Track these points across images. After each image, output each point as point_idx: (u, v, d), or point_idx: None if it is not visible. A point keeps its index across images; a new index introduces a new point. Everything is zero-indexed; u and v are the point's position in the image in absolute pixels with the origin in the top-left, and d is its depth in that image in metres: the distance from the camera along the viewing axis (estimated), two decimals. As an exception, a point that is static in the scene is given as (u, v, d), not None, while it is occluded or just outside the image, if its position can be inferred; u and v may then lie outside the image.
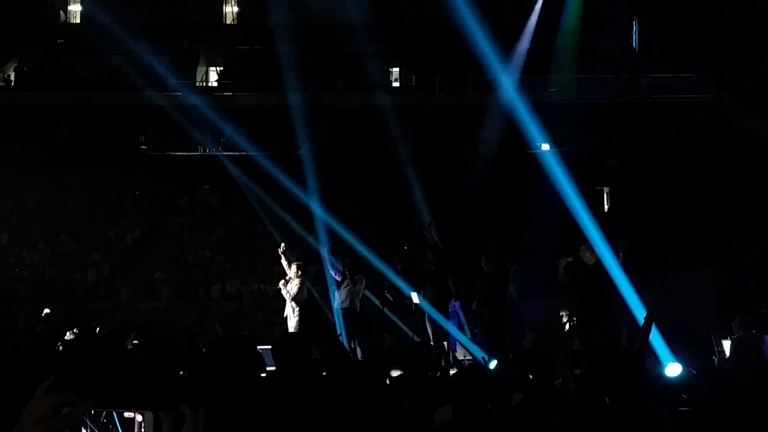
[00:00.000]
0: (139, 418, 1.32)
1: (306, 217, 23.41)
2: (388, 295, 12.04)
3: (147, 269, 25.14)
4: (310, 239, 18.85)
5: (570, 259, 10.07)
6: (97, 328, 15.69)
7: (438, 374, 9.57)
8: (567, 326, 11.57)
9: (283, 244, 12.63)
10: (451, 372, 8.40)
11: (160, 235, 26.93)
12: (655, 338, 9.37)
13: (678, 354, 9.27)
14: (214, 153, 27.44)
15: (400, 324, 14.48)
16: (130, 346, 9.84)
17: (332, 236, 13.88)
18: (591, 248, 9.94)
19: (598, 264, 9.81)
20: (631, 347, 10.70)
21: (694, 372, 8.61)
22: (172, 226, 27.37)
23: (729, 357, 9.76)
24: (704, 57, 24.60)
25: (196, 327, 19.38)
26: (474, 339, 11.41)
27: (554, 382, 3.96)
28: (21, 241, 26.04)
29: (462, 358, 12.47)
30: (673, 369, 8.49)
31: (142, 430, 1.32)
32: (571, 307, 10.12)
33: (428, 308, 10.92)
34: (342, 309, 11.71)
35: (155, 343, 5.74)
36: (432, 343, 10.74)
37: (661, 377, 8.42)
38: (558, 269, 10.17)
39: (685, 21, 24.80)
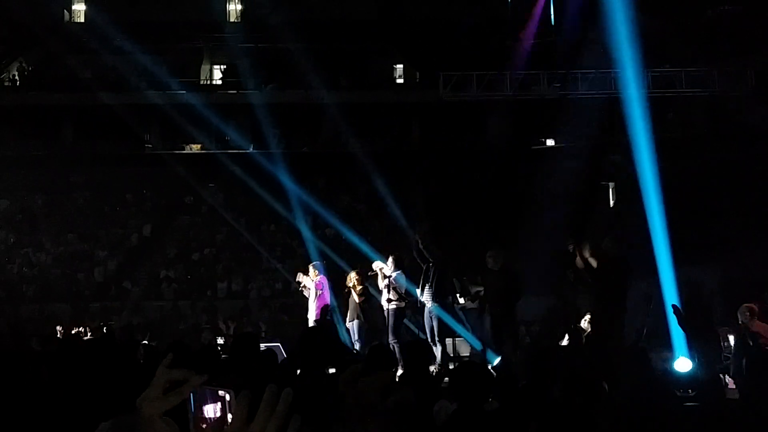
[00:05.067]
0: (227, 396, 1.40)
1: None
2: (394, 292, 11.99)
3: (153, 268, 25.20)
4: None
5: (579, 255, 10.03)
6: (104, 328, 15.81)
7: (441, 370, 9.60)
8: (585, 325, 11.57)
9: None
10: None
11: (165, 233, 26.99)
12: (676, 332, 9.39)
13: (691, 348, 9.26)
14: (219, 151, 27.48)
15: (406, 321, 14.46)
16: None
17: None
18: (606, 244, 9.90)
19: (612, 261, 9.74)
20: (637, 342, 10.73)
21: (702, 367, 8.61)
22: (178, 225, 27.44)
23: (734, 348, 9.75)
24: (709, 51, 24.54)
25: (206, 325, 19.51)
26: (480, 335, 11.39)
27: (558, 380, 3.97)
28: (28, 240, 26.12)
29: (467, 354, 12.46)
30: (682, 364, 8.47)
31: (227, 406, 1.40)
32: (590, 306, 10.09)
33: (430, 304, 10.90)
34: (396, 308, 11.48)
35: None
36: (431, 340, 10.72)
37: (669, 372, 8.41)
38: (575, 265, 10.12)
39: (689, 15, 24.73)
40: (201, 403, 1.41)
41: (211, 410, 1.41)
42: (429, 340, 10.72)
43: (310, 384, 3.95)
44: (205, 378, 1.42)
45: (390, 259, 11.64)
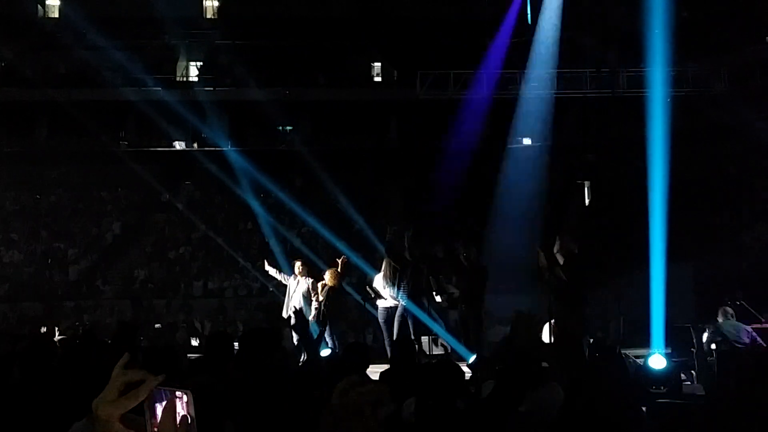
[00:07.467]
0: (185, 397, 1.42)
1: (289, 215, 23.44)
2: (370, 291, 12.00)
3: (128, 266, 24.99)
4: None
5: (545, 253, 10.15)
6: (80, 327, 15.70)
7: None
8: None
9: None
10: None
11: (141, 231, 26.78)
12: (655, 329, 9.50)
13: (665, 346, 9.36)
14: (195, 149, 27.31)
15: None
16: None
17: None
18: (566, 242, 10.02)
19: (573, 258, 9.87)
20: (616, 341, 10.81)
21: (676, 363, 8.70)
22: (153, 223, 27.22)
23: (705, 345, 9.89)
24: (682, 52, 24.76)
25: (181, 324, 19.41)
26: (453, 333, 11.46)
27: (530, 376, 3.97)
28: (0, 238, 25.81)
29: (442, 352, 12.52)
30: (656, 361, 8.52)
31: (184, 406, 1.42)
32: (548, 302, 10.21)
33: (405, 302, 10.92)
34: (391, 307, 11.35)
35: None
36: (395, 338, 10.73)
37: (643, 369, 8.48)
38: (539, 261, 10.23)
39: (664, 16, 24.92)
40: (158, 404, 1.40)
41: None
42: (394, 337, 10.74)
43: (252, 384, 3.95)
44: (162, 378, 1.41)
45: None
